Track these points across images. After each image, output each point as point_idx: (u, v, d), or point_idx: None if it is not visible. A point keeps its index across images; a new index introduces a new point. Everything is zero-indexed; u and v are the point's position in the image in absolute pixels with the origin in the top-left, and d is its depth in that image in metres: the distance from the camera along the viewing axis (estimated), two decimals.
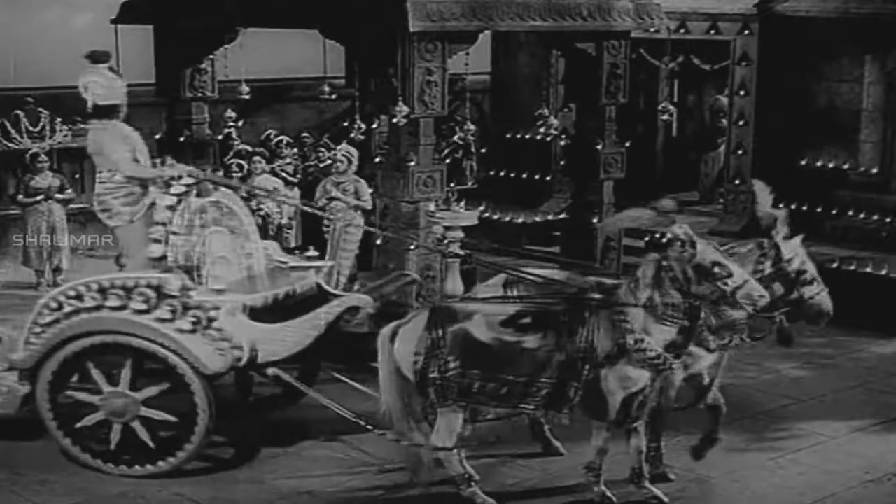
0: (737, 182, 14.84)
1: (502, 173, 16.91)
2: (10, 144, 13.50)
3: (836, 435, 9.36)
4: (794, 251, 8.16)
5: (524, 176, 16.74)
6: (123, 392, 8.37)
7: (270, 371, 8.61)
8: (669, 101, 15.44)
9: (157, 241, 8.57)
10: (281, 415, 9.41)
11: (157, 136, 12.85)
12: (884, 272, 12.59)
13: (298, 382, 8.77)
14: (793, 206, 12.12)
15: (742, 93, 14.77)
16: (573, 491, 8.15)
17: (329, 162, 12.84)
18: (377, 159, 12.22)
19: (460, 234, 10.62)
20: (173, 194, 8.62)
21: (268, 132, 14.44)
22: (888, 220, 13.94)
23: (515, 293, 8.44)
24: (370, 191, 11.74)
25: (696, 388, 8.36)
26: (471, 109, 13.54)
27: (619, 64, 11.91)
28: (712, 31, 14.82)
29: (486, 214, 14.24)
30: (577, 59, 12.12)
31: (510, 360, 7.64)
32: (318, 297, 8.89)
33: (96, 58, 8.76)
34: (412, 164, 10.58)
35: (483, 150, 16.50)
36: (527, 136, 16.80)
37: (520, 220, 15.59)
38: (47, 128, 13.57)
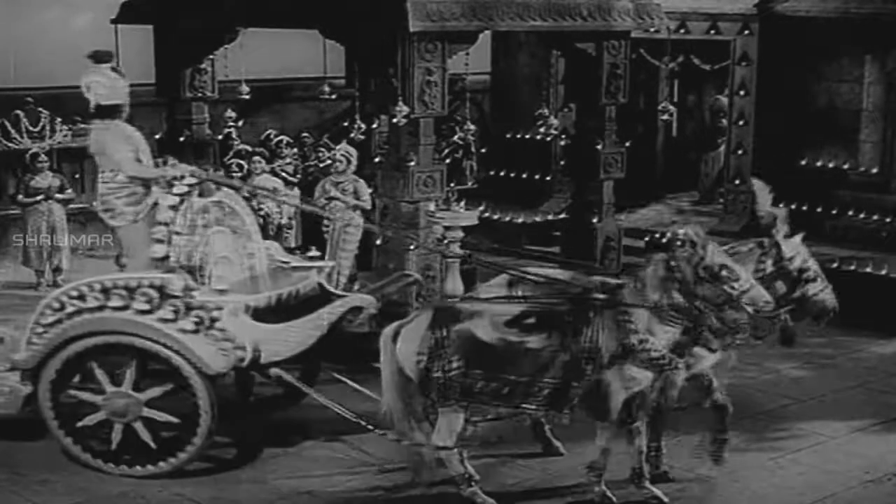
0: (737, 182, 14.85)
1: (502, 173, 16.90)
2: (10, 144, 13.48)
3: (836, 435, 9.37)
4: (796, 249, 8.17)
5: (524, 176, 16.74)
6: (126, 392, 8.37)
7: (273, 371, 8.60)
8: (669, 101, 15.42)
9: (159, 241, 8.56)
10: (282, 415, 9.40)
11: (157, 136, 12.84)
12: (884, 272, 12.60)
13: (300, 383, 8.76)
14: (793, 206, 12.13)
15: (742, 93, 14.79)
16: (573, 491, 8.15)
17: (329, 162, 12.84)
18: (377, 159, 12.24)
19: (460, 234, 10.61)
20: (176, 194, 8.61)
21: (268, 132, 14.41)
22: (888, 220, 13.95)
23: (519, 293, 8.44)
24: (370, 191, 11.74)
25: (699, 388, 8.37)
26: (471, 109, 13.54)
27: (619, 64, 11.93)
28: (712, 31, 14.84)
29: (486, 214, 14.23)
30: (577, 59, 12.14)
31: (513, 360, 7.64)
32: (321, 298, 8.88)
33: (99, 58, 8.75)
34: (412, 164, 10.59)
35: (483, 150, 16.46)
36: (527, 136, 16.79)
37: (520, 220, 15.59)
38: (47, 128, 13.55)
